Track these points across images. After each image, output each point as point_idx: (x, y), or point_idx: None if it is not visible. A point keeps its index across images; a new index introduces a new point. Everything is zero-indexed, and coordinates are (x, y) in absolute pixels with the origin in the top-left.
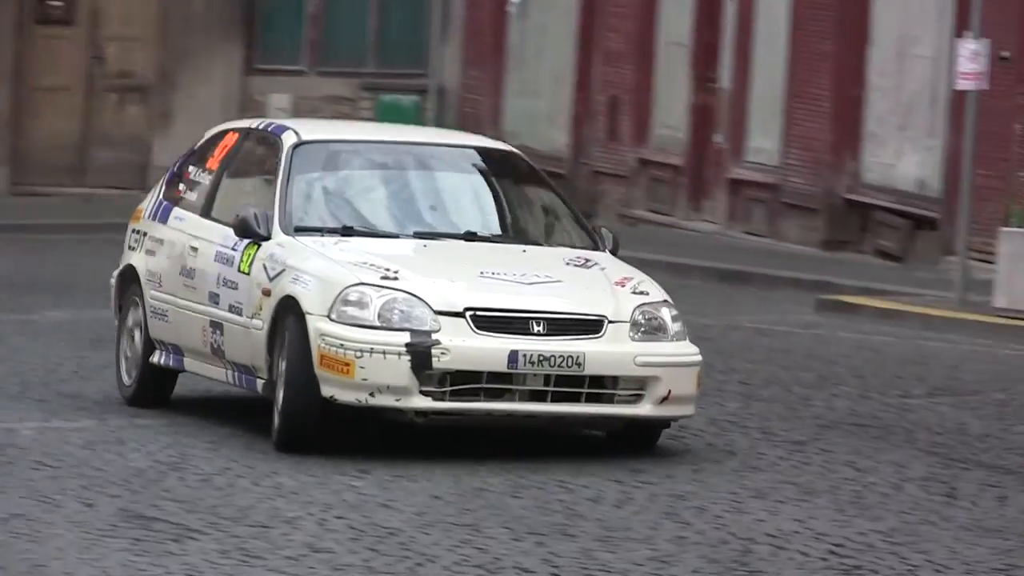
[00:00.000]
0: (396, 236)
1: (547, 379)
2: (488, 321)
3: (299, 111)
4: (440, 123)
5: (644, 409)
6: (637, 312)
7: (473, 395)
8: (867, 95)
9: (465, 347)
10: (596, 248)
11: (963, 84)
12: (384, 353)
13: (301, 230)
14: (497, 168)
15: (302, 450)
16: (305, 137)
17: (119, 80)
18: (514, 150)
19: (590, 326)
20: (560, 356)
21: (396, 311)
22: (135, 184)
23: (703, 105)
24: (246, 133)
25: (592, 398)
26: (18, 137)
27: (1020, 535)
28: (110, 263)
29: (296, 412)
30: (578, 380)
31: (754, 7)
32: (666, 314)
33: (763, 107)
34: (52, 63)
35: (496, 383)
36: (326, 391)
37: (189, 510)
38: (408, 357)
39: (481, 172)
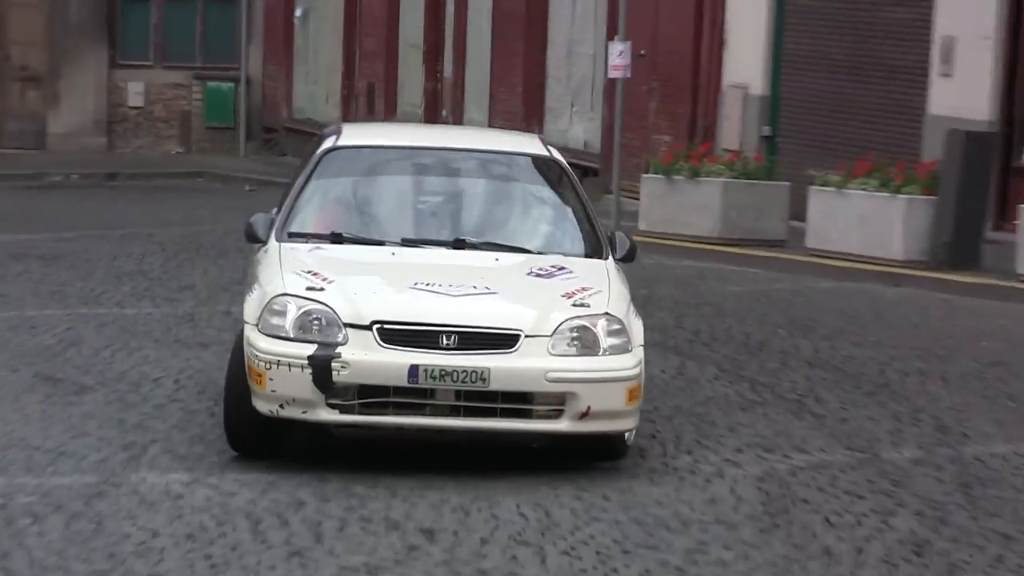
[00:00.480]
0: (381, 243)
1: (458, 394)
2: (395, 334)
3: (149, 95)
4: (249, 104)
5: (563, 425)
6: (563, 326)
7: (382, 409)
8: (547, 82)
9: (366, 361)
10: (599, 256)
11: (613, 74)
12: (289, 365)
13: (294, 235)
14: (527, 174)
15: (251, 457)
16: (342, 143)
17: (21, 72)
18: (552, 155)
19: (503, 340)
20: (463, 371)
21: (314, 323)
22: (34, 146)
23: (433, 89)
24: (320, 138)
25: (509, 413)
26: None
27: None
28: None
29: (231, 422)
30: (490, 395)
31: (467, 20)
32: (601, 328)
33: (475, 90)
34: None
35: (405, 397)
36: (253, 401)
37: (84, 373)
38: (310, 370)
39: (507, 178)
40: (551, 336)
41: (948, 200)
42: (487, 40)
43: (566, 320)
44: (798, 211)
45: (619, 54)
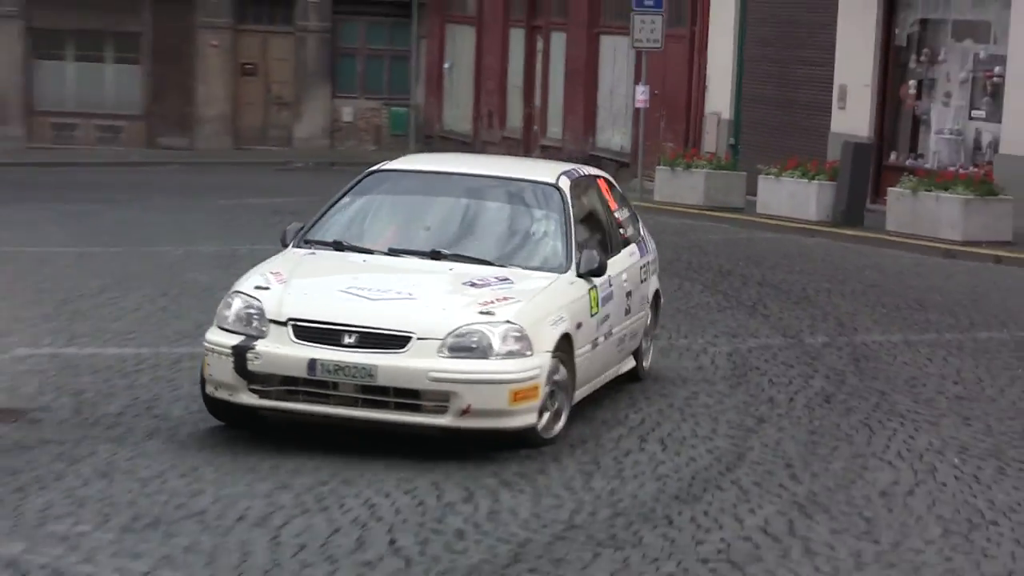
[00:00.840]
0: (369, 252)
1: (358, 387)
2: (306, 331)
3: (356, 114)
4: (416, 121)
5: (446, 420)
6: (458, 330)
7: (294, 396)
8: (598, 110)
9: (275, 353)
10: (560, 271)
11: (638, 105)
12: (220, 353)
13: (308, 242)
14: (525, 198)
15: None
16: (387, 167)
17: (277, 100)
18: (556, 184)
19: (394, 341)
20: (354, 367)
21: (253, 317)
22: (285, 145)
23: (528, 114)
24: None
25: (401, 407)
26: (235, 125)
27: None
28: (272, 179)
29: (205, 400)
30: (383, 390)
31: (549, 71)
32: (496, 334)
33: (554, 114)
34: (248, 92)
35: (312, 388)
36: None
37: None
38: (232, 358)
39: (507, 200)
40: (443, 339)
41: (843, 184)
42: (561, 83)
43: (462, 325)
44: (751, 190)
45: (642, 93)
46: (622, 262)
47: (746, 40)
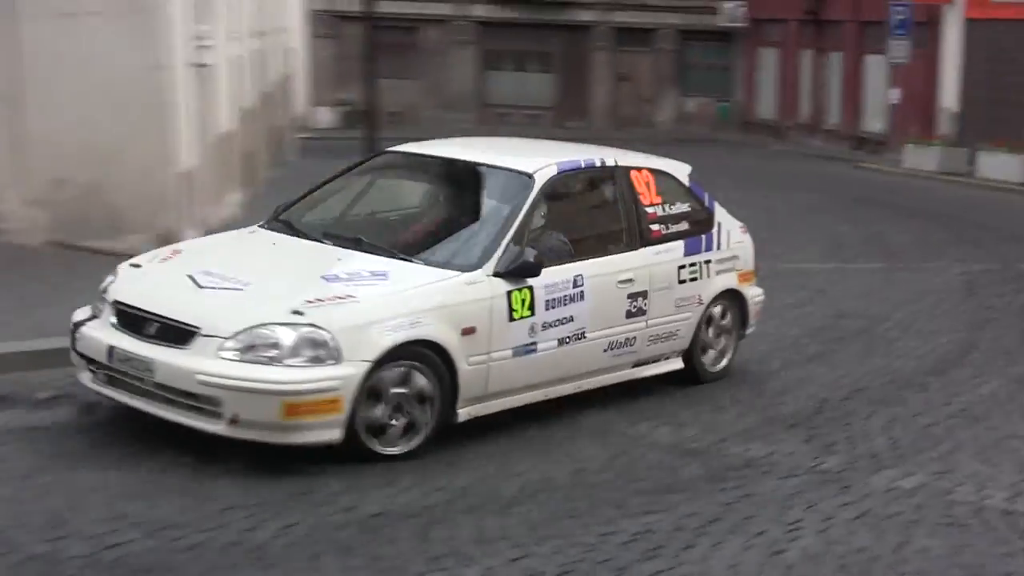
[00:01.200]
0: (305, 236)
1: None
2: (123, 316)
3: (696, 108)
4: (737, 113)
5: (220, 428)
6: (249, 330)
7: (111, 382)
8: (864, 105)
9: (89, 336)
10: (468, 268)
11: (892, 101)
12: (69, 332)
13: (279, 220)
14: (491, 187)
15: None
16: (391, 148)
17: (641, 98)
18: (530, 174)
19: (180, 335)
20: (137, 360)
21: (103, 296)
22: (649, 127)
23: (815, 107)
24: None
25: (188, 407)
26: (615, 114)
27: None
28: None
29: None
30: (168, 386)
31: (828, 78)
32: (289, 338)
33: (833, 108)
34: (623, 92)
35: (124, 376)
36: None
37: None
38: (71, 337)
39: (475, 189)
40: (227, 338)
41: None
42: (838, 86)
43: (255, 326)
44: (972, 161)
45: (894, 93)
46: (633, 260)
47: (968, 56)
